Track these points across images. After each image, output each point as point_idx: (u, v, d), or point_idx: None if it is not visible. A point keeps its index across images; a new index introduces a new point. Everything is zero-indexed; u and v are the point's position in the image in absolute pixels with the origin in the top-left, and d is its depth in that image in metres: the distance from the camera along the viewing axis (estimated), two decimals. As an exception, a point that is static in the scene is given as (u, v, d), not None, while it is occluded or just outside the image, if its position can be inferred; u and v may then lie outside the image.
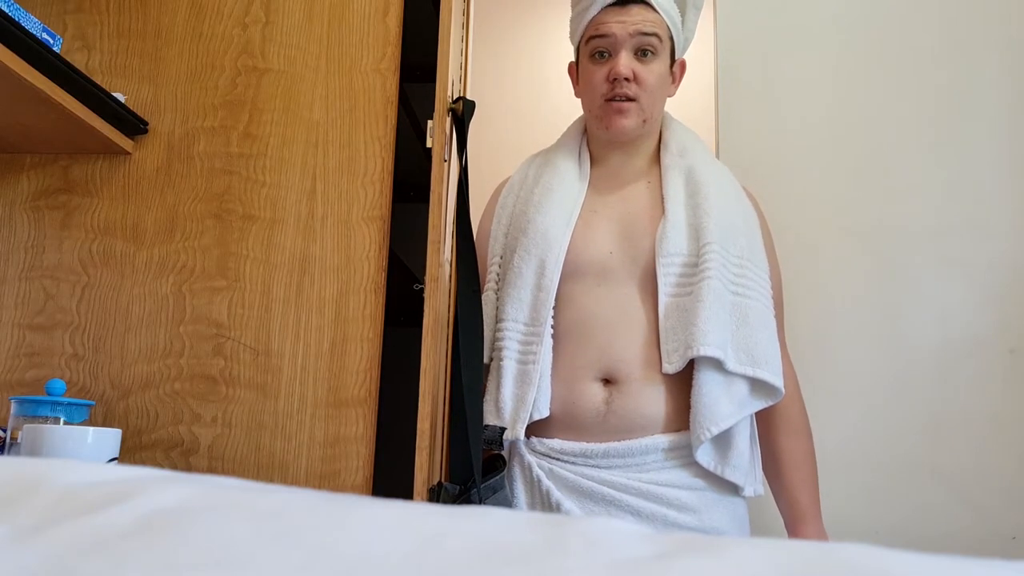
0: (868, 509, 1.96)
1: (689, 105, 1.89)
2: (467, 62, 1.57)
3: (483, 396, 1.30)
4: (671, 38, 1.33)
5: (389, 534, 0.37)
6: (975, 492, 1.91)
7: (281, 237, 1.39)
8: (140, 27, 1.48)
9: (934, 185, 2.08)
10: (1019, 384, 1.96)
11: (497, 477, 1.24)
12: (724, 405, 1.19)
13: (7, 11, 1.12)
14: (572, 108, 1.47)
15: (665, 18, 1.30)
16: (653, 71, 1.30)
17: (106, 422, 1.33)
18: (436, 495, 1.21)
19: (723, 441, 1.21)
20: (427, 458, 1.19)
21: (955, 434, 1.94)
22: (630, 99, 1.28)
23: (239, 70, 1.45)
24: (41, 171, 1.45)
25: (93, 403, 1.25)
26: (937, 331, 2.00)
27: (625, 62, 1.27)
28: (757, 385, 1.23)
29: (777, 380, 1.22)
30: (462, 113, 1.35)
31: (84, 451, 1.06)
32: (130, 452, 1.32)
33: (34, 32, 1.18)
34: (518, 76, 1.40)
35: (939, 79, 2.12)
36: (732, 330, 1.22)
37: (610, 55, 1.29)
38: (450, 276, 1.37)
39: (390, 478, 1.30)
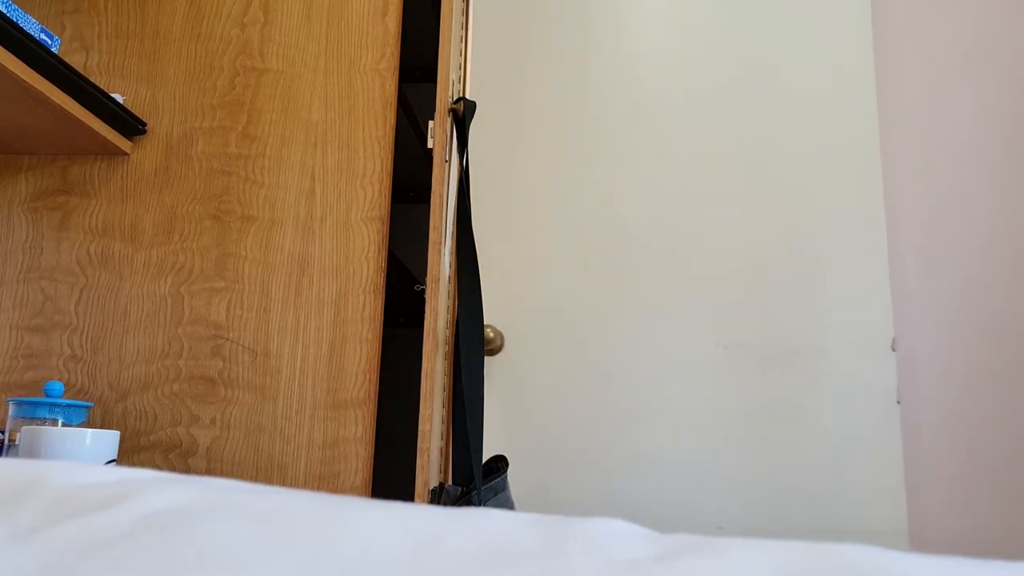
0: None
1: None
2: (467, 62, 1.57)
3: (483, 397, 1.30)
4: None
5: (389, 535, 0.37)
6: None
7: (280, 238, 1.39)
8: (138, 28, 1.48)
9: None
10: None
11: (498, 479, 1.24)
12: None
13: (5, 12, 1.12)
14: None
15: None
16: None
17: (104, 424, 1.33)
18: (437, 497, 1.21)
19: None
20: (427, 459, 1.19)
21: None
22: None
23: (238, 70, 1.45)
24: (39, 172, 1.44)
25: (91, 405, 1.25)
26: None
27: None
28: None
29: None
30: (462, 113, 1.35)
31: (82, 453, 1.06)
32: (128, 454, 1.31)
33: (32, 33, 1.17)
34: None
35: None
36: None
37: None
38: (450, 277, 1.37)
39: (390, 480, 1.30)
